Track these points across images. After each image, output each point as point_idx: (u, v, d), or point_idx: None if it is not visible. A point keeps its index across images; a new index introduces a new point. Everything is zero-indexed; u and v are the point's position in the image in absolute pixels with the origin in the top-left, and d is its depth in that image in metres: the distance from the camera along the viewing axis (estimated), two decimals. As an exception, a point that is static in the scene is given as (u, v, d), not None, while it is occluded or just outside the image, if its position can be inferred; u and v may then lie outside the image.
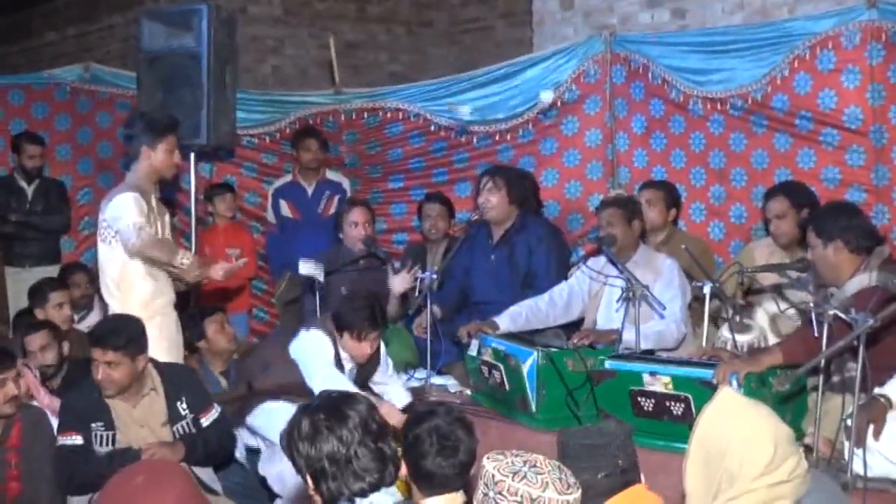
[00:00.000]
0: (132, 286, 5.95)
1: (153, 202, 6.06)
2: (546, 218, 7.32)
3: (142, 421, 5.41)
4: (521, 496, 3.07)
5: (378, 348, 5.99)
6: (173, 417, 5.45)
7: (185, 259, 5.96)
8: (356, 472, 3.32)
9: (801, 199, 6.05)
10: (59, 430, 5.36)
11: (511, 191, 6.66)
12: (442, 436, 3.49)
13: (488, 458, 3.22)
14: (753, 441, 3.35)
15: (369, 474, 3.34)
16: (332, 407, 3.40)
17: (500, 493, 3.10)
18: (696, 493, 3.51)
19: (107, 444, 5.29)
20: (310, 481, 3.35)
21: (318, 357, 5.80)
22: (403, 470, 3.50)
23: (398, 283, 6.93)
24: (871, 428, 4.30)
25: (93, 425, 5.30)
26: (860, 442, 4.23)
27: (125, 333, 5.33)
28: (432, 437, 3.48)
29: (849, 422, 4.27)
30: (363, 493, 3.32)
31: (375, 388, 6.10)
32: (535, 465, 3.14)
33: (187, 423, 5.47)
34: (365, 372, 6.03)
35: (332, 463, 3.30)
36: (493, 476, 3.13)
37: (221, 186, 8.63)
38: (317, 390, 5.47)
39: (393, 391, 6.10)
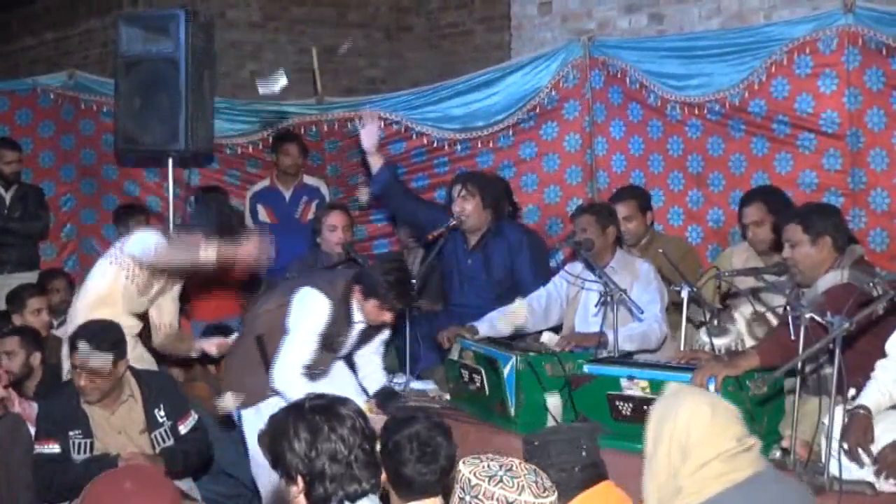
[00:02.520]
0: (98, 309, 5.93)
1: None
2: (521, 223, 7.30)
3: (119, 428, 5.40)
4: (498, 500, 3.09)
5: None
6: (151, 425, 5.44)
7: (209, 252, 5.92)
8: (354, 475, 3.29)
9: (778, 204, 6.05)
10: (36, 438, 5.34)
11: (484, 196, 6.63)
12: (422, 442, 3.48)
13: (464, 462, 3.23)
14: (693, 409, 3.50)
15: (365, 479, 3.32)
16: (327, 407, 3.36)
17: (476, 496, 3.11)
18: (652, 482, 3.57)
19: (84, 452, 5.28)
20: (300, 482, 3.31)
21: (306, 327, 5.62)
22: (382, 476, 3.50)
23: None
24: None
25: (70, 433, 5.29)
26: (859, 460, 4.24)
27: (108, 339, 5.32)
28: (412, 444, 3.48)
29: (825, 421, 4.29)
30: (356, 497, 3.30)
31: (357, 360, 6.07)
32: (510, 469, 3.16)
33: (165, 431, 5.46)
34: (371, 333, 5.92)
35: (333, 463, 3.27)
36: (469, 480, 3.14)
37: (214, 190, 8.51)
38: (286, 354, 5.54)
39: (371, 372, 6.06)
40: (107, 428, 5.37)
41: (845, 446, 4.25)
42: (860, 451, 4.25)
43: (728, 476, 3.42)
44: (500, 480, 3.12)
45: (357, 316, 5.70)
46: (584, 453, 3.56)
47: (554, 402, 5.36)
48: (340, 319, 5.66)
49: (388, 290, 5.52)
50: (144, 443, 5.43)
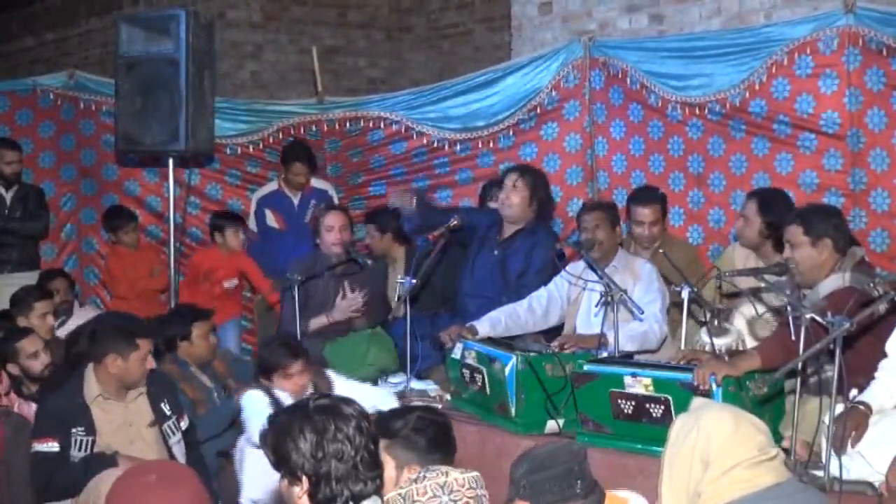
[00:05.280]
0: None
1: None
2: (556, 234, 7.24)
3: (130, 420, 5.44)
4: (431, 489, 3.25)
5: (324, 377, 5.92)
6: (159, 418, 5.49)
7: None
8: (359, 475, 3.29)
9: (774, 208, 5.93)
10: (35, 435, 5.32)
11: (534, 194, 6.65)
12: (420, 417, 3.82)
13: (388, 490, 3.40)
14: (716, 420, 3.54)
15: (370, 479, 3.32)
16: (332, 407, 3.35)
17: (413, 501, 3.19)
18: (670, 492, 3.57)
19: (85, 450, 5.27)
20: (305, 483, 3.30)
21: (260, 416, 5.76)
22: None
23: (343, 307, 7.06)
24: (851, 435, 4.32)
25: (73, 430, 5.28)
26: (842, 449, 4.25)
27: None
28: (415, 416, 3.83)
29: (826, 420, 4.29)
30: (361, 497, 3.29)
31: None
32: (429, 469, 3.35)
33: (173, 424, 5.53)
34: None
35: (339, 463, 3.26)
36: (400, 493, 3.32)
37: (232, 218, 8.43)
38: None
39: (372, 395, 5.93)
40: (114, 422, 5.40)
41: (826, 421, 4.27)
42: (849, 443, 4.27)
43: (748, 483, 3.43)
44: (425, 477, 3.29)
45: (284, 399, 5.73)
46: (588, 478, 3.56)
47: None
48: None
49: (272, 355, 5.68)
50: (151, 436, 5.46)
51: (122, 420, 5.43)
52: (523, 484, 3.52)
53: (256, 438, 5.64)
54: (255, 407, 5.63)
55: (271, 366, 5.69)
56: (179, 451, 5.51)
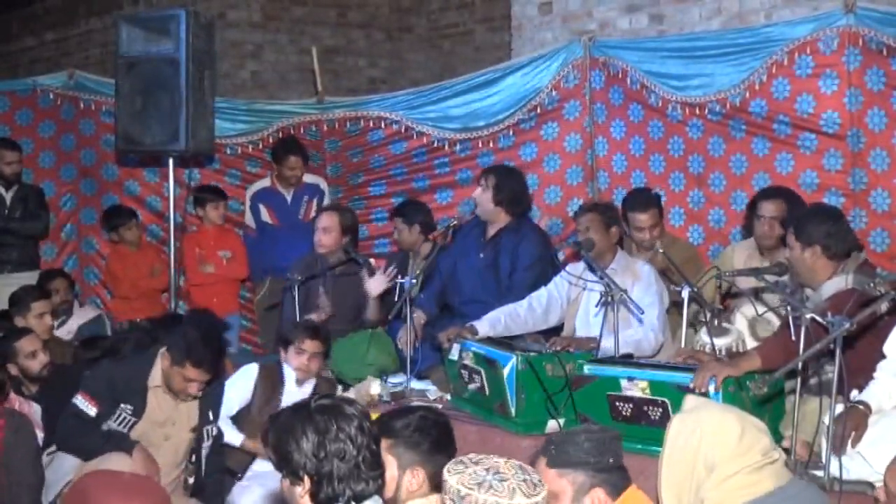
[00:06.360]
0: None
1: None
2: (541, 229, 7.23)
3: (175, 419, 5.61)
4: None
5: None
6: (203, 421, 5.69)
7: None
8: (361, 475, 3.29)
9: (794, 210, 5.95)
10: (82, 388, 5.48)
11: (497, 193, 6.63)
12: (422, 416, 3.84)
13: (449, 470, 3.16)
14: (721, 424, 3.53)
15: (372, 479, 3.32)
16: (333, 407, 3.36)
17: None
18: (670, 494, 3.57)
19: (125, 427, 5.47)
20: (307, 482, 3.30)
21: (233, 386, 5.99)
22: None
23: (374, 285, 6.97)
24: (851, 435, 4.32)
25: (122, 405, 5.47)
26: (841, 449, 4.25)
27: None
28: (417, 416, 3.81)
29: (826, 420, 4.29)
30: (363, 497, 3.29)
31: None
32: (498, 472, 3.08)
33: (211, 429, 5.71)
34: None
35: (341, 463, 3.27)
36: (458, 491, 3.06)
37: (213, 192, 8.58)
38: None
39: None
40: (161, 415, 5.56)
41: (825, 421, 4.27)
42: (849, 443, 4.27)
43: (752, 488, 3.44)
44: (490, 486, 3.03)
45: (289, 376, 6.14)
46: (611, 458, 3.56)
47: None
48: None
49: (293, 328, 6.15)
50: (185, 439, 5.67)
51: (168, 416, 5.59)
52: (551, 440, 3.54)
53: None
54: (238, 379, 6.04)
55: (290, 337, 6.09)
56: (205, 455, 5.70)
